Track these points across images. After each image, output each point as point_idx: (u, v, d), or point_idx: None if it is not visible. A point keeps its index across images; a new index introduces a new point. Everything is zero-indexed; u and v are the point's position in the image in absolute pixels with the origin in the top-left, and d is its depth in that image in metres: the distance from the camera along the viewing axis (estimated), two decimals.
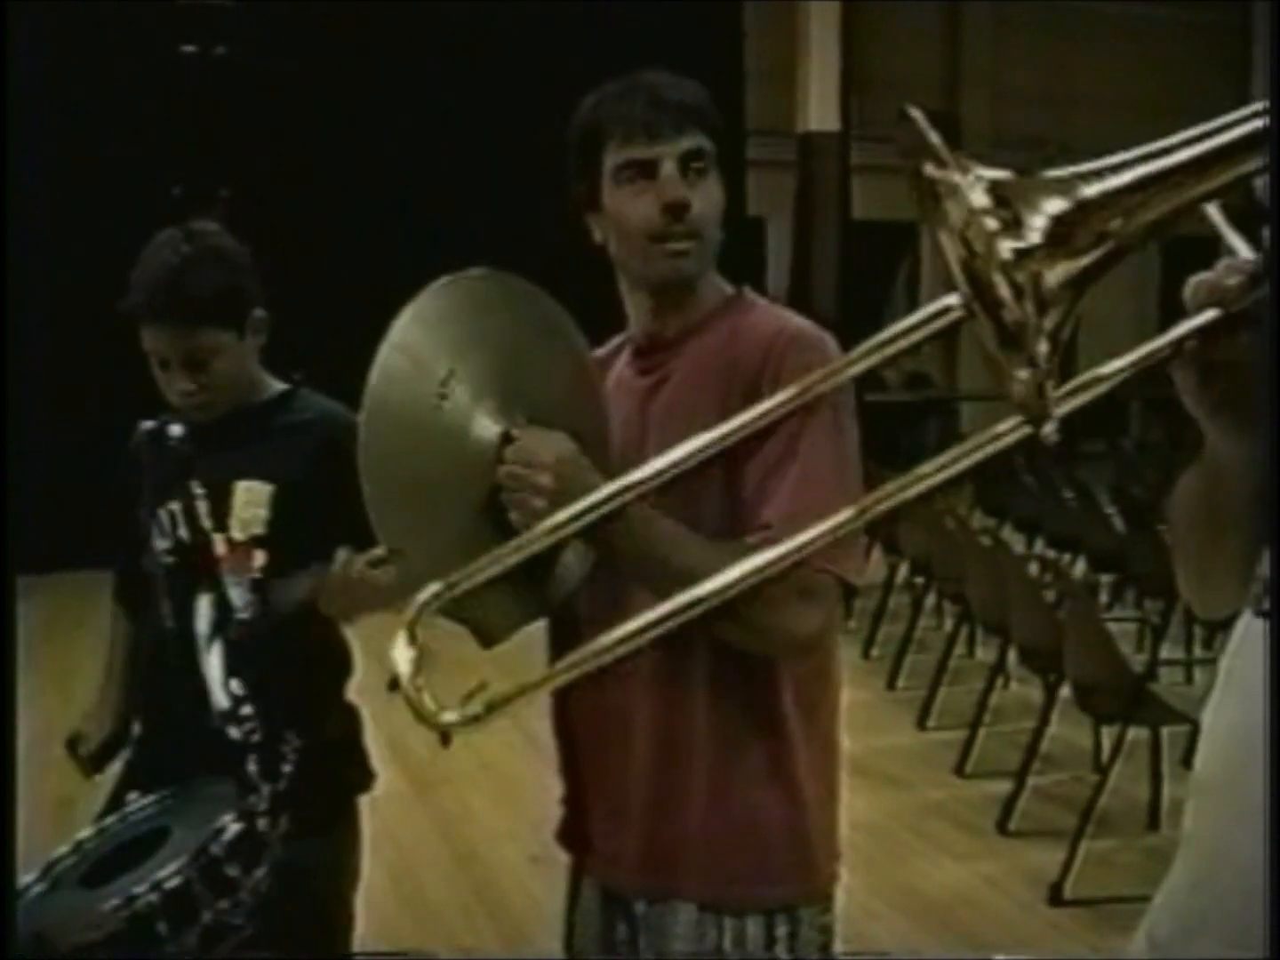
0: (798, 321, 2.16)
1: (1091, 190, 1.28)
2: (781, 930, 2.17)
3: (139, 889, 2.32)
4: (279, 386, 2.92)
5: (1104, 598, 8.23)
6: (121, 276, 2.71)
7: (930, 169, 1.30)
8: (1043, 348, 1.24)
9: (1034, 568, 6.78)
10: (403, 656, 1.90)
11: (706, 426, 2.00)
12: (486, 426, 2.02)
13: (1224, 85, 16.63)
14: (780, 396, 1.98)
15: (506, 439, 2.02)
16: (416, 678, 1.89)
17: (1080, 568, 8.44)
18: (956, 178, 1.26)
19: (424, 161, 11.92)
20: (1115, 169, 1.29)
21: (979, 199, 1.24)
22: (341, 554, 2.54)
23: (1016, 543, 8.66)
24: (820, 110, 15.05)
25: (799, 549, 1.88)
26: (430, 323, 2.01)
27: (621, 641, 1.91)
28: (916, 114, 1.30)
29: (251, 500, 2.77)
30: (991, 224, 1.24)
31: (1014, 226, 1.24)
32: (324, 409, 2.90)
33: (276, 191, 11.09)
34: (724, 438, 1.98)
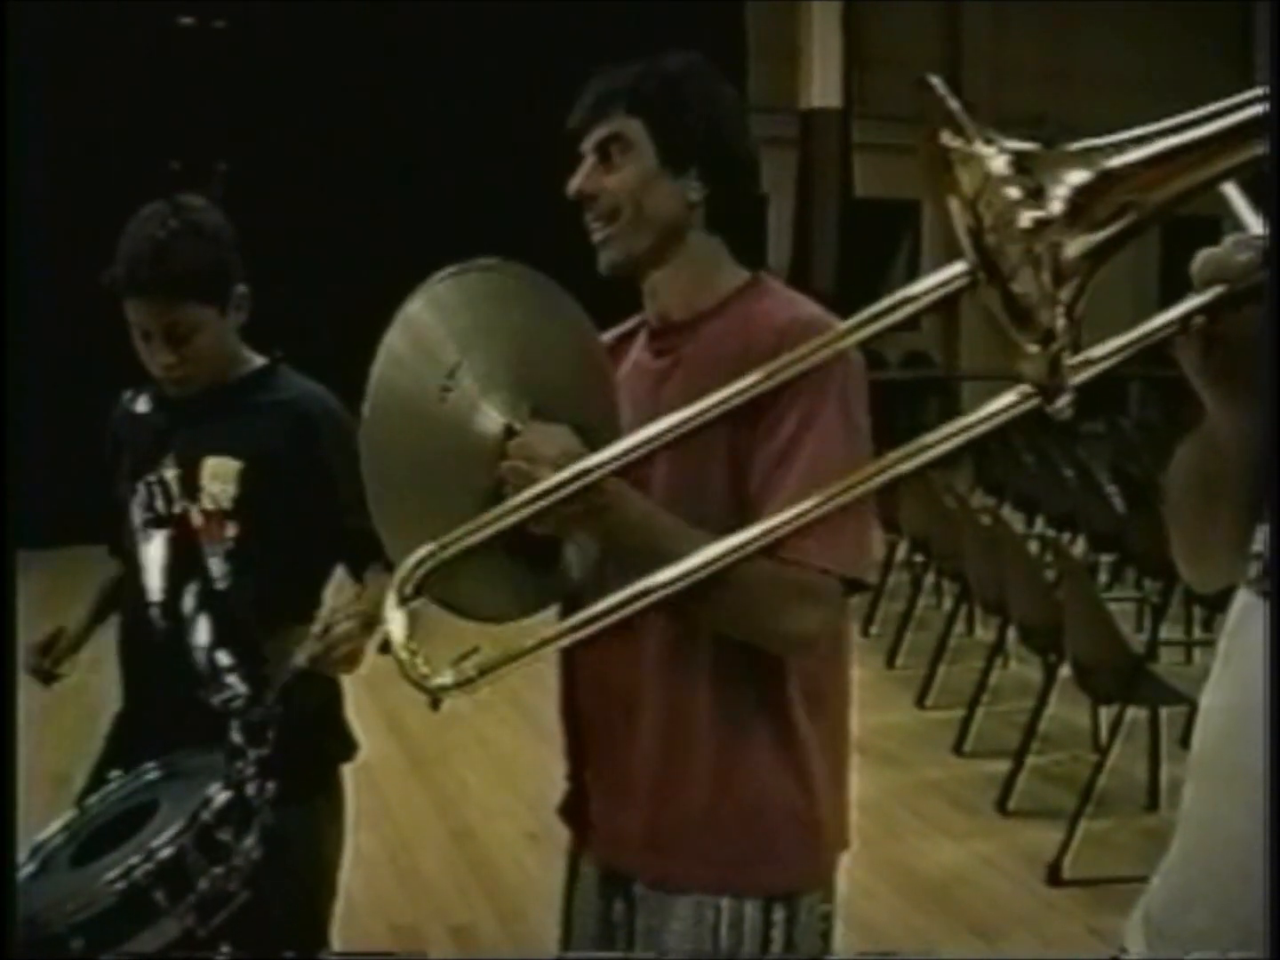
0: (812, 309, 2.13)
1: (1114, 162, 1.27)
2: (779, 915, 2.15)
3: (134, 860, 2.33)
4: (258, 362, 2.93)
5: (1103, 577, 8.23)
6: (103, 254, 2.72)
7: (946, 136, 1.29)
8: (1060, 320, 1.22)
9: (1034, 547, 6.77)
10: (394, 619, 1.89)
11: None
12: (491, 420, 2.00)
13: (1223, 64, 16.61)
14: (780, 361, 1.90)
15: (510, 433, 1.99)
16: (409, 640, 1.87)
17: (1080, 547, 8.44)
18: (979, 144, 1.25)
19: (424, 139, 11.91)
20: (1137, 142, 1.28)
21: (1001, 167, 1.23)
22: (332, 604, 2.58)
23: (1016, 522, 8.65)
24: (822, 86, 15.01)
25: (786, 523, 1.86)
26: (439, 312, 1.99)
27: (611, 610, 1.89)
28: (936, 81, 1.29)
29: (219, 476, 2.78)
30: (1014, 192, 1.23)
31: (1036, 195, 1.23)
32: (299, 388, 2.90)
33: (274, 167, 11.07)
34: (717, 405, 1.91)
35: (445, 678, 1.88)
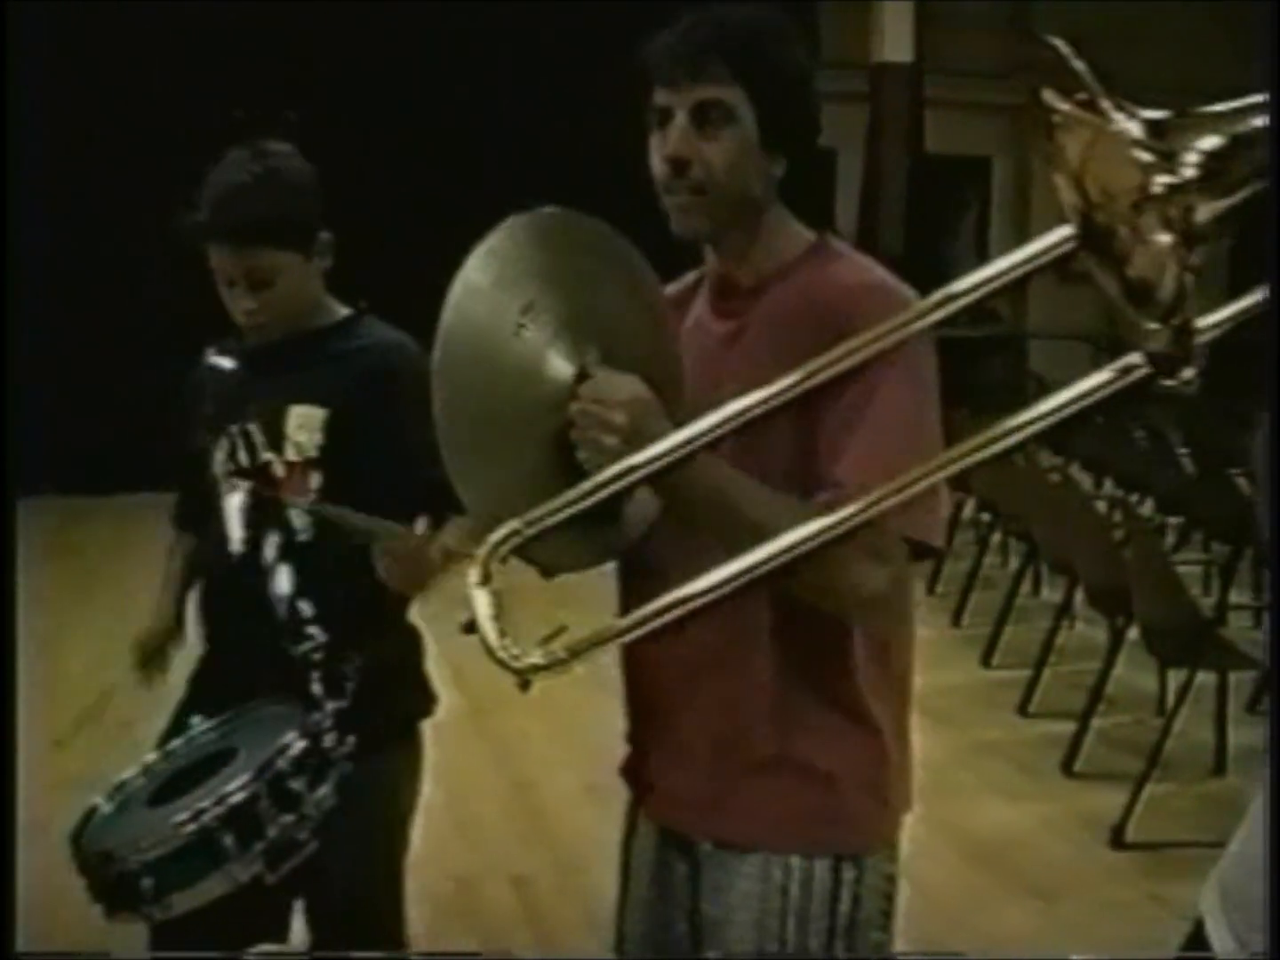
0: (880, 273, 2.11)
1: (1245, 127, 1.24)
2: (848, 875, 2.14)
3: (205, 803, 2.38)
4: (343, 312, 2.92)
5: (1170, 540, 8.14)
6: (183, 199, 2.71)
7: (1051, 97, 1.26)
8: (1190, 281, 1.20)
9: (1101, 507, 6.72)
10: (480, 597, 1.83)
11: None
12: (561, 364, 1.99)
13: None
14: (865, 337, 1.88)
15: (580, 377, 1.98)
16: (496, 620, 1.82)
17: (1147, 508, 8.35)
18: (1106, 105, 1.22)
19: (493, 90, 11.87)
20: (1257, 108, 1.25)
21: (1135, 132, 1.21)
22: (419, 526, 2.55)
23: (1084, 482, 8.56)
24: (894, 41, 14.87)
25: (872, 505, 1.83)
26: (518, 249, 1.98)
27: (698, 595, 1.86)
28: (1059, 43, 1.26)
29: (305, 424, 2.78)
30: (1148, 157, 1.20)
31: (1168, 159, 1.21)
32: (383, 337, 2.89)
33: (343, 116, 11.04)
34: (798, 383, 1.90)
35: (534, 658, 1.83)
